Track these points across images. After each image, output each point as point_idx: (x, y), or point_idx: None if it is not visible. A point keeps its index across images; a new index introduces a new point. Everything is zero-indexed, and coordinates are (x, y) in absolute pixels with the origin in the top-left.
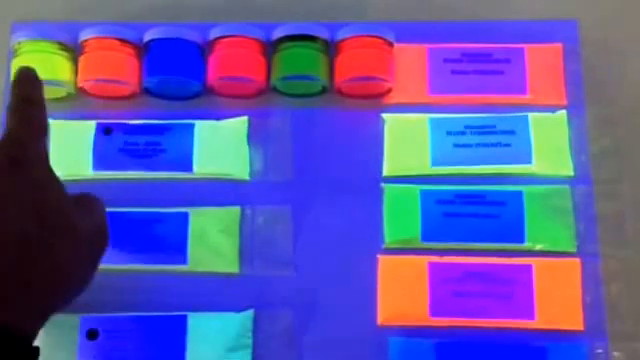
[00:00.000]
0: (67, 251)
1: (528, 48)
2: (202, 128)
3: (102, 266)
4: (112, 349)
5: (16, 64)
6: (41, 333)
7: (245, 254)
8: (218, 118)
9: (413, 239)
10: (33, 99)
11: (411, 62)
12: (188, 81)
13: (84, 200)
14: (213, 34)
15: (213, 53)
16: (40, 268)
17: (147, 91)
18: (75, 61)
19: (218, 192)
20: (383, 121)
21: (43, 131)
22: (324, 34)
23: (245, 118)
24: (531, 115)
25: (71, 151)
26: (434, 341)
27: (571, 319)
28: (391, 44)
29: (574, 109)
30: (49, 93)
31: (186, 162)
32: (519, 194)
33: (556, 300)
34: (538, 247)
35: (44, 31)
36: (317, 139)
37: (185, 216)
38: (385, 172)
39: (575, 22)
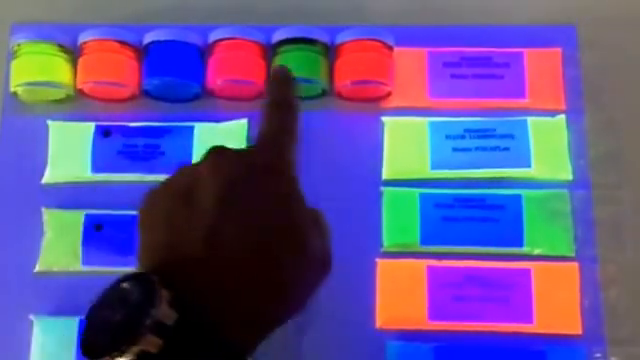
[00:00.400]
0: (297, 270)
1: (527, 52)
2: (202, 130)
3: (101, 269)
4: None
5: (15, 66)
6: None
7: None
8: (218, 120)
9: (412, 243)
10: (288, 102)
11: (411, 66)
12: (188, 83)
13: (317, 217)
14: (213, 36)
15: (213, 55)
16: (270, 285)
17: (146, 93)
18: (74, 63)
19: None
20: (383, 124)
21: (296, 137)
22: (324, 37)
23: (245, 121)
24: (530, 119)
25: (70, 153)
26: (432, 345)
27: (569, 323)
28: (391, 48)
29: (573, 114)
30: (48, 95)
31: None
32: (518, 198)
33: (554, 304)
34: (537, 251)
35: (43, 33)
36: (316, 142)
37: None
38: (384, 175)
39: (574, 27)
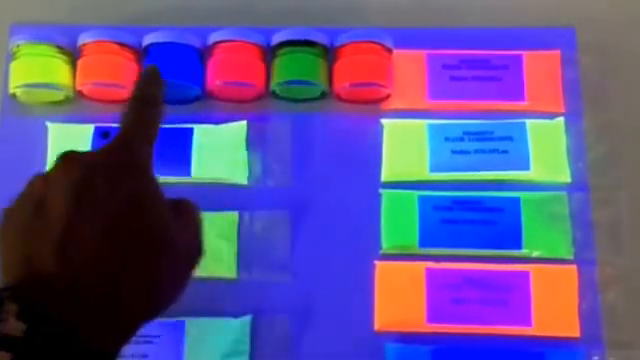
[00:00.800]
0: (162, 267)
1: (526, 55)
2: (201, 132)
3: None
4: None
5: (14, 67)
6: None
7: (243, 259)
8: (217, 123)
9: (410, 245)
10: (152, 99)
11: (410, 68)
12: (187, 85)
13: (182, 209)
14: (212, 38)
15: (212, 57)
16: (132, 285)
17: None
18: (74, 64)
19: (216, 197)
20: (382, 126)
21: (155, 135)
22: (323, 40)
23: (244, 123)
24: (529, 122)
25: None
26: (431, 347)
27: (568, 326)
28: (390, 50)
29: (572, 116)
30: (47, 97)
31: (184, 167)
32: (516, 200)
33: (553, 307)
34: (535, 254)
35: (43, 34)
36: (316, 144)
37: None
38: (383, 177)
39: (573, 29)
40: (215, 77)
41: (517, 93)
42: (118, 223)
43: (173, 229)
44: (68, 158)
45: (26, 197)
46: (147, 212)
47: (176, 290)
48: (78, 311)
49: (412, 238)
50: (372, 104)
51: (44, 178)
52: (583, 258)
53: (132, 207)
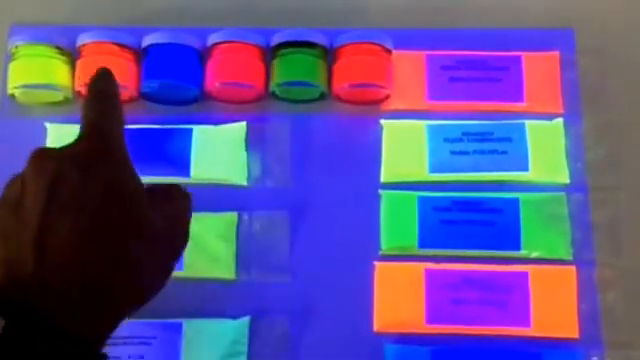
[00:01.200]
0: (142, 252)
1: (525, 56)
2: (200, 133)
3: None
4: None
5: (13, 67)
6: None
7: (242, 260)
8: (216, 123)
9: (410, 246)
10: (109, 93)
11: (409, 69)
12: (186, 86)
13: (164, 195)
14: (212, 39)
15: (212, 58)
16: (111, 270)
17: (145, 96)
18: (73, 65)
19: (215, 198)
20: (381, 127)
21: (122, 123)
22: (323, 40)
23: (243, 124)
24: (528, 123)
25: None
26: (430, 348)
27: (567, 327)
28: (389, 51)
29: (571, 117)
30: (46, 97)
31: (184, 167)
32: (515, 201)
33: (552, 308)
34: (534, 255)
35: (41, 35)
36: (315, 145)
37: None
38: (383, 178)
39: (572, 31)
40: (214, 78)
41: (516, 94)
42: (93, 210)
43: (152, 214)
44: (39, 155)
45: (4, 198)
46: (123, 197)
47: (160, 276)
48: (57, 303)
49: (411, 239)
50: (371, 105)
51: (19, 178)
52: (582, 259)
53: (107, 192)
